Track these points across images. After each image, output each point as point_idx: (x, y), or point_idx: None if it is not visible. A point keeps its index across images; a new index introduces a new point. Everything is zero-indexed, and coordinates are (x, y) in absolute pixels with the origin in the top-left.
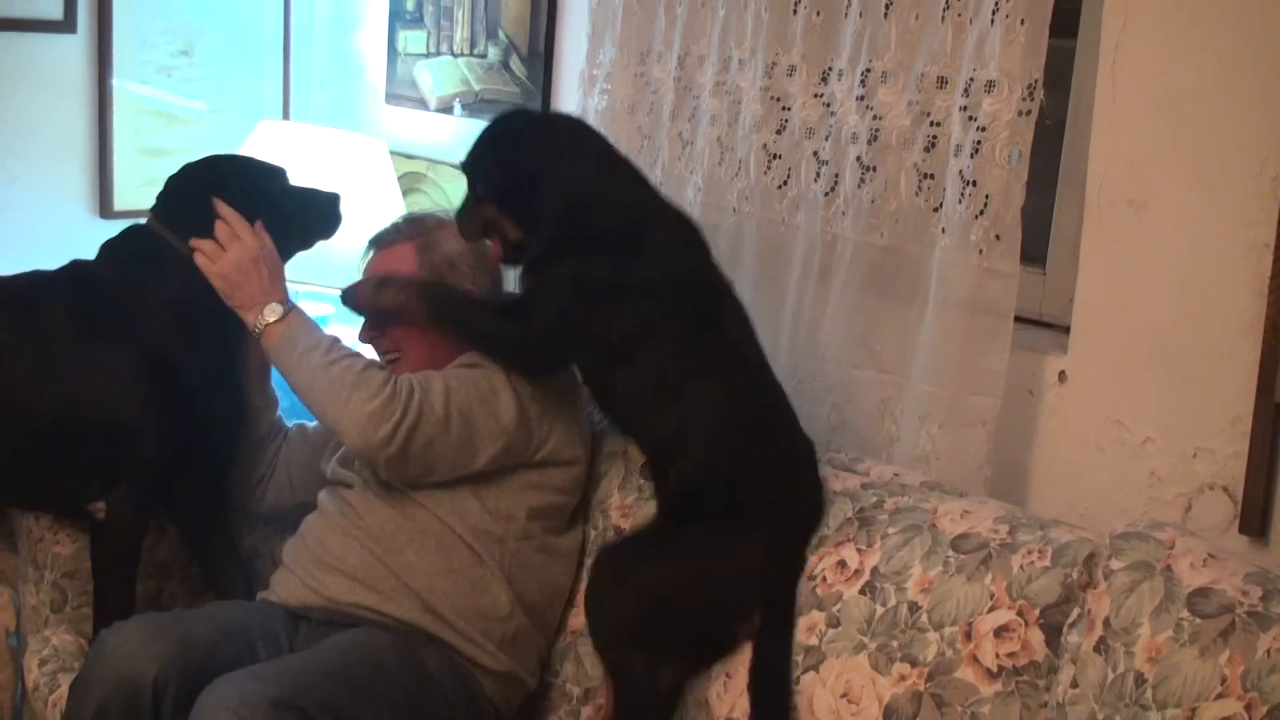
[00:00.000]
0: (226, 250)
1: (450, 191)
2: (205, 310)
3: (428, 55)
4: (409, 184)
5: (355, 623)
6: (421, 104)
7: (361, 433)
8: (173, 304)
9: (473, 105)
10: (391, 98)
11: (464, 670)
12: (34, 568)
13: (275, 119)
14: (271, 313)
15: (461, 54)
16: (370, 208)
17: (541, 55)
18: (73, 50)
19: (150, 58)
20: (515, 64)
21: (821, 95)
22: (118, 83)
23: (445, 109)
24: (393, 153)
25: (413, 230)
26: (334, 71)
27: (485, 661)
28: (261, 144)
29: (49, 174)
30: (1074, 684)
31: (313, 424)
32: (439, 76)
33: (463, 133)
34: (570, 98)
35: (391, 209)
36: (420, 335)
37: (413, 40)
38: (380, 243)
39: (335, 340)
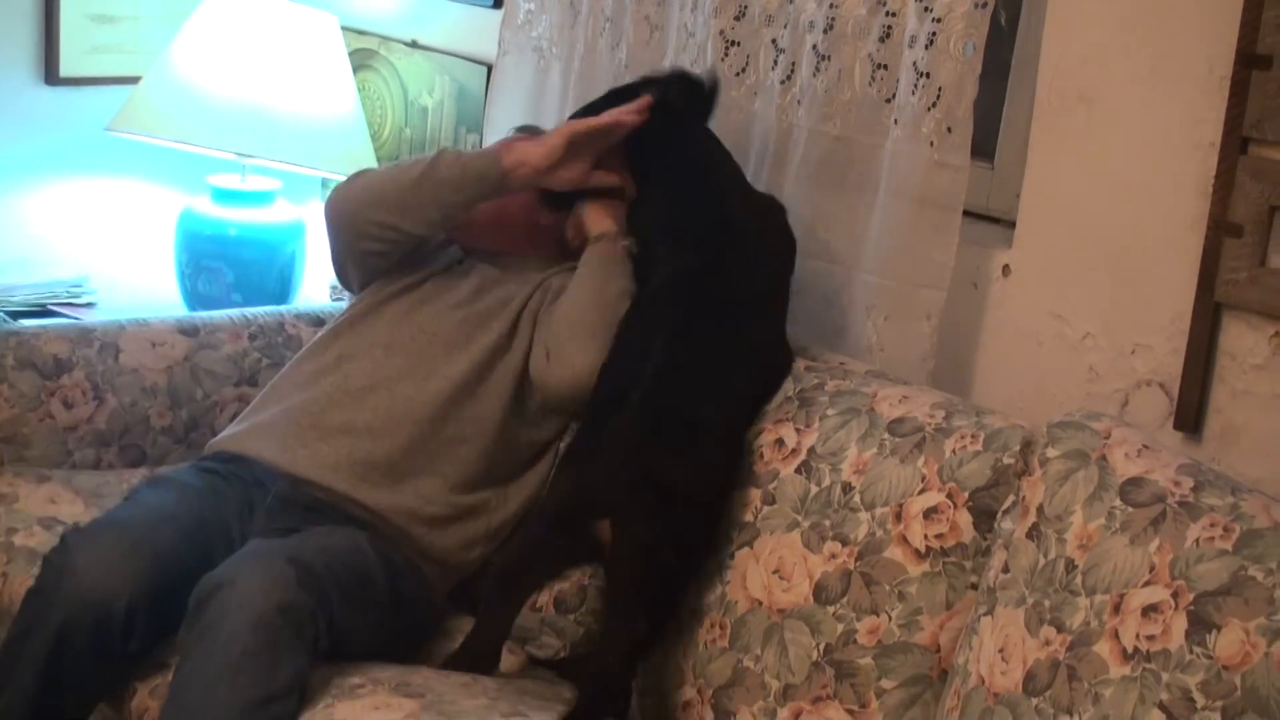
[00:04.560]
0: None
1: (401, 69)
2: None
3: None
4: (360, 60)
5: (316, 506)
6: None
7: (576, 378)
8: None
9: None
10: None
11: (420, 560)
12: None
13: None
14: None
15: None
16: (320, 84)
17: None
18: None
19: None
20: None
21: None
22: None
23: None
24: (344, 28)
25: None
26: None
27: (446, 544)
28: (211, 15)
29: None
30: (1005, 569)
31: None
32: None
33: (415, 9)
34: None
35: (341, 85)
36: None
37: None
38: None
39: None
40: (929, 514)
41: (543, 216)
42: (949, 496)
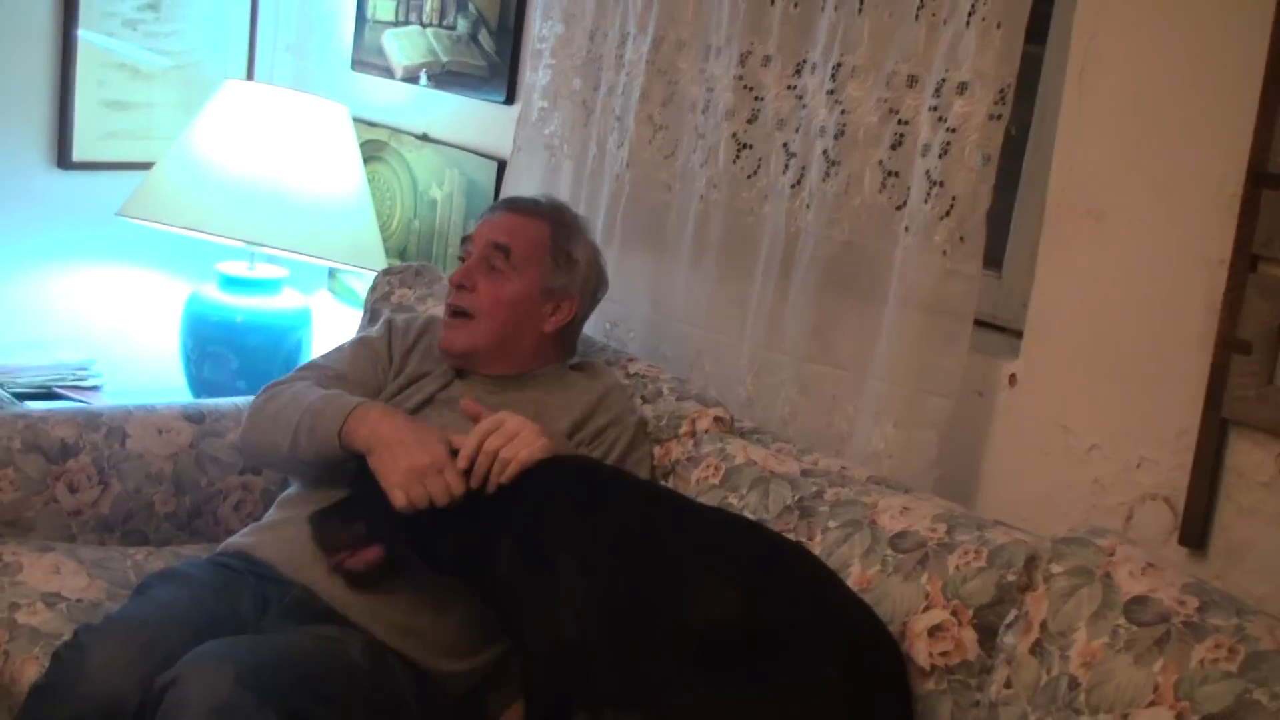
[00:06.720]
0: None
1: (411, 162)
2: None
3: (396, 23)
4: (370, 152)
5: (329, 616)
6: (387, 72)
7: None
8: None
9: (439, 76)
10: (358, 64)
11: (428, 675)
12: None
13: (240, 79)
14: None
15: (430, 24)
16: (330, 174)
17: (511, 30)
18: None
19: (116, 10)
20: (484, 37)
21: (795, 87)
22: (82, 33)
23: (411, 79)
24: (355, 120)
25: (556, 213)
26: (301, 34)
27: (453, 668)
28: (225, 105)
29: (8, 123)
30: (1008, 684)
31: None
32: (406, 45)
33: (427, 103)
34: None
35: (351, 176)
36: (504, 317)
37: (382, 7)
38: (516, 207)
39: None
40: (934, 632)
41: (545, 325)
42: (954, 614)
